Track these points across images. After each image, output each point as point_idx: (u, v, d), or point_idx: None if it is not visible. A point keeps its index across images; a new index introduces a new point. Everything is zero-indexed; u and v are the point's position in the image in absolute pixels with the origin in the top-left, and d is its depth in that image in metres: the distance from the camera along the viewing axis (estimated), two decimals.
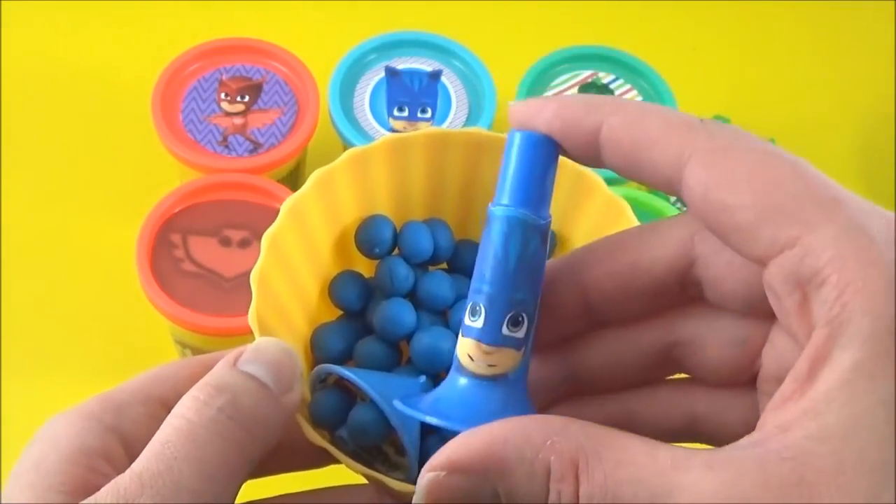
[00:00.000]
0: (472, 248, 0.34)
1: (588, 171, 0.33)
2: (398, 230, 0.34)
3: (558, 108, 0.25)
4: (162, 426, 0.26)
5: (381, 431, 0.30)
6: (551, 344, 0.28)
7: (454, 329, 0.33)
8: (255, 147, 0.57)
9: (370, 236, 0.34)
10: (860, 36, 0.74)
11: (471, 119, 0.59)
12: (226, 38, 0.61)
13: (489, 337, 0.26)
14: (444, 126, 0.59)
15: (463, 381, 0.26)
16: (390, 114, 0.59)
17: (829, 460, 0.21)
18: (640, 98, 0.62)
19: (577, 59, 0.63)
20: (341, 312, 0.34)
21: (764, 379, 0.26)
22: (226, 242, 0.52)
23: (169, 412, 0.26)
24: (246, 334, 0.43)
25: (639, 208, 0.54)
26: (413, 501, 0.24)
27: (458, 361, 0.26)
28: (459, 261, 0.35)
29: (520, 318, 0.26)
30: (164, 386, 0.29)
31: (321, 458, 0.30)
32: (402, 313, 0.32)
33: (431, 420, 0.25)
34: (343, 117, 0.58)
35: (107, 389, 0.29)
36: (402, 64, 0.61)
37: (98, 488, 0.24)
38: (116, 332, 0.57)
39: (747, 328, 0.26)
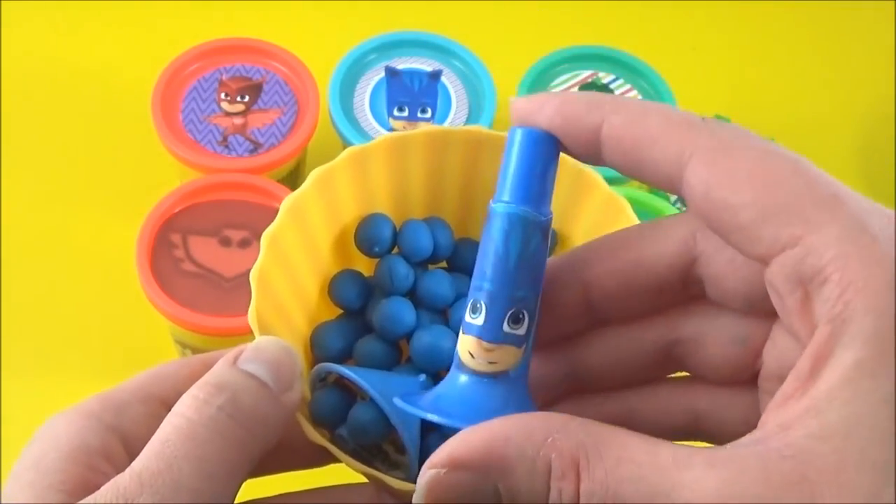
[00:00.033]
0: (472, 246, 0.34)
1: (588, 168, 0.33)
2: (398, 229, 0.34)
3: (560, 104, 0.25)
4: (162, 425, 0.26)
5: (381, 430, 0.30)
6: (552, 341, 0.28)
7: (454, 328, 0.33)
8: (255, 147, 0.57)
9: (370, 235, 0.34)
10: (860, 36, 0.74)
11: (471, 119, 0.59)
12: (226, 38, 0.61)
13: (490, 334, 0.25)
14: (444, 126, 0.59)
15: (464, 378, 0.26)
16: (390, 114, 0.59)
17: (830, 459, 0.21)
18: (640, 98, 0.61)
19: (577, 59, 0.63)
20: (341, 311, 0.34)
21: (765, 377, 0.26)
22: (226, 242, 0.52)
23: (169, 411, 0.26)
24: (246, 334, 0.43)
25: (638, 208, 0.54)
26: (413, 499, 0.23)
27: (459, 359, 0.26)
28: (459, 259, 0.35)
29: (521, 316, 0.26)
30: (164, 385, 0.29)
31: (321, 457, 0.30)
32: (401, 312, 0.32)
33: (432, 417, 0.25)
34: (343, 117, 0.58)
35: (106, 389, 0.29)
36: (402, 64, 0.61)
37: (98, 487, 0.24)
38: (116, 332, 0.57)
39: (749, 326, 0.26)
